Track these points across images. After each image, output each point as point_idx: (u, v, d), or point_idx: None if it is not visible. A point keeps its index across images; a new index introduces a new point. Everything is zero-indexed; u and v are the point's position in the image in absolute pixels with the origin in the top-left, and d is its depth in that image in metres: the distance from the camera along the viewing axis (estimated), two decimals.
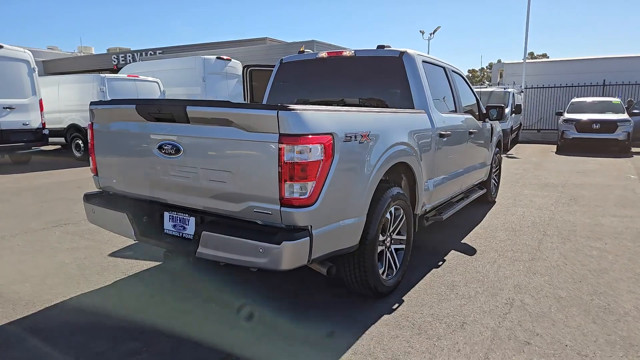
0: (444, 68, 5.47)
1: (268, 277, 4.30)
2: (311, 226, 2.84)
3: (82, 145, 13.83)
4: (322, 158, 2.77)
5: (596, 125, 15.93)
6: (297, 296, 3.89)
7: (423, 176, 4.32)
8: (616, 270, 4.57)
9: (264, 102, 5.61)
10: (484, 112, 6.41)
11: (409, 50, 4.69)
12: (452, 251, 5.17)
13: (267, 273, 4.20)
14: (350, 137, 3.08)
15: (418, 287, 4.12)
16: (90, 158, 3.83)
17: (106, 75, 13.68)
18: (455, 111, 5.48)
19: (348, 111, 3.26)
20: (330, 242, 3.04)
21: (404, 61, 4.60)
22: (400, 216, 3.90)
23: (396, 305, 3.74)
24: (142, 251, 5.11)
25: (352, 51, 4.96)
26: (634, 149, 16.93)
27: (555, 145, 18.00)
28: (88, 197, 3.83)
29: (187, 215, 3.32)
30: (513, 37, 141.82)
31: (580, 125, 16.17)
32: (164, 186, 3.34)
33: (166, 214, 3.44)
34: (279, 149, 2.70)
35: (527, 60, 24.46)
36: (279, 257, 2.73)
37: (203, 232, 3.00)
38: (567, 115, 16.93)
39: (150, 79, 14.68)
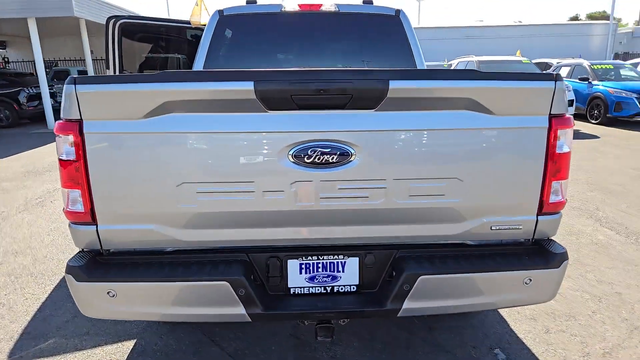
0: None
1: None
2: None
3: None
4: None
5: None
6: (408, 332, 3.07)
7: None
8: None
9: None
10: None
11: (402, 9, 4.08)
12: None
13: None
14: None
15: None
16: (77, 191, 1.94)
17: None
18: None
19: None
20: None
21: (402, 21, 3.99)
22: None
23: None
24: (52, 337, 3.10)
25: (334, 5, 3.98)
26: None
27: None
28: (90, 270, 1.96)
29: (340, 256, 2.09)
30: None
31: None
32: (294, 219, 1.99)
33: (292, 264, 2.08)
34: (549, 136, 1.93)
35: None
36: (555, 283, 2.04)
37: (421, 277, 1.94)
38: None
39: None
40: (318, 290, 2.10)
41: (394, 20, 3.99)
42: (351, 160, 1.89)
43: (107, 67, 4.78)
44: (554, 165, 1.96)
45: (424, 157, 1.93)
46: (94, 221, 1.97)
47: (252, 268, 2.06)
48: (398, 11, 4.02)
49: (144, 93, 1.82)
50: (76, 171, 1.90)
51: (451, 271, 1.97)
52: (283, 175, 1.91)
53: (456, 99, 1.86)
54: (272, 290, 2.09)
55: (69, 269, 1.95)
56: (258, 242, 2.05)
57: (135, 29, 4.88)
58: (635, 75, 12.97)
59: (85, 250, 2.07)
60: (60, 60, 24.60)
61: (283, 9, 3.96)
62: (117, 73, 4.78)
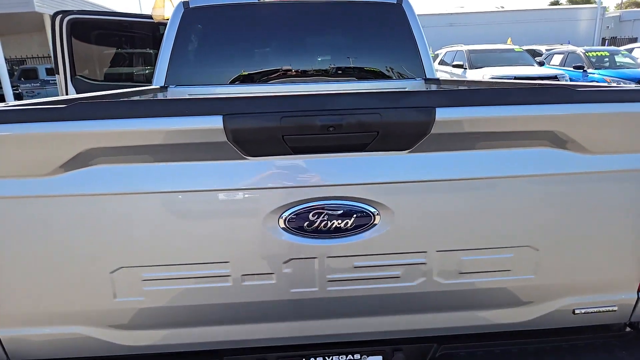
0: None
1: None
2: None
3: None
4: None
5: None
6: None
7: None
8: None
9: (160, 80, 3.27)
10: None
11: None
12: None
13: None
14: None
15: None
16: None
17: None
18: None
19: None
20: None
21: (405, 10, 3.34)
22: None
23: None
24: None
25: None
26: None
27: None
28: None
29: (356, 355, 1.46)
30: None
31: None
32: (289, 311, 1.36)
33: None
34: None
35: None
36: None
37: None
38: None
39: None
40: None
41: (396, 10, 3.35)
42: (374, 225, 1.26)
43: (57, 72, 4.05)
44: None
45: (482, 218, 1.30)
46: None
47: None
48: None
49: (51, 137, 1.15)
50: None
51: None
52: (272, 251, 1.27)
53: (534, 133, 1.23)
54: None
55: None
56: (236, 343, 1.41)
57: (89, 26, 4.14)
58: (632, 62, 12.54)
59: None
60: (28, 58, 23.34)
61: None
62: (69, 79, 4.06)
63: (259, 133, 1.15)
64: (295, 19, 3.41)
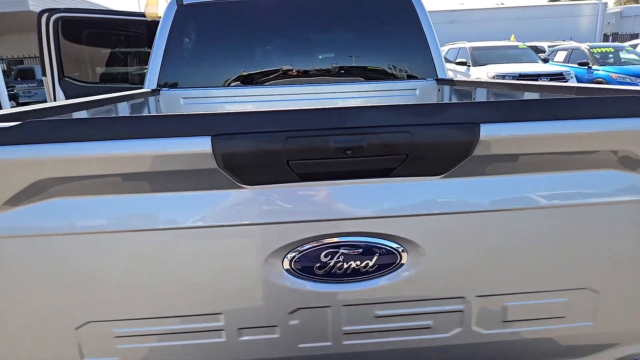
0: None
1: None
2: None
3: None
4: None
5: None
6: None
7: None
8: None
9: (152, 82, 3.02)
10: None
11: None
12: None
13: None
14: None
15: None
16: None
17: None
18: None
19: None
20: None
21: (415, 6, 3.10)
22: None
23: None
24: None
25: None
26: None
27: None
28: None
29: None
30: None
31: None
32: None
33: None
34: None
35: None
36: None
37: None
38: None
39: None
40: None
41: (405, 5, 3.11)
42: (401, 266, 1.03)
43: (44, 74, 3.81)
44: None
45: (530, 256, 1.06)
46: None
47: None
48: None
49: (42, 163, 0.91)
50: None
51: None
52: (275, 299, 1.04)
53: (597, 152, 1.00)
54: None
55: None
56: None
57: (78, 25, 3.90)
58: (636, 58, 12.28)
59: None
60: (25, 57, 23.08)
61: None
62: (57, 81, 3.82)
63: (258, 157, 0.91)
64: (297, 16, 3.17)
